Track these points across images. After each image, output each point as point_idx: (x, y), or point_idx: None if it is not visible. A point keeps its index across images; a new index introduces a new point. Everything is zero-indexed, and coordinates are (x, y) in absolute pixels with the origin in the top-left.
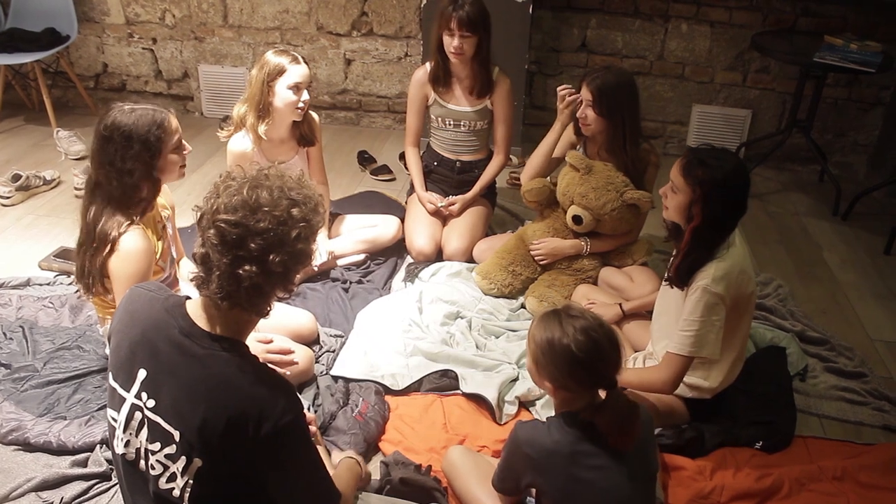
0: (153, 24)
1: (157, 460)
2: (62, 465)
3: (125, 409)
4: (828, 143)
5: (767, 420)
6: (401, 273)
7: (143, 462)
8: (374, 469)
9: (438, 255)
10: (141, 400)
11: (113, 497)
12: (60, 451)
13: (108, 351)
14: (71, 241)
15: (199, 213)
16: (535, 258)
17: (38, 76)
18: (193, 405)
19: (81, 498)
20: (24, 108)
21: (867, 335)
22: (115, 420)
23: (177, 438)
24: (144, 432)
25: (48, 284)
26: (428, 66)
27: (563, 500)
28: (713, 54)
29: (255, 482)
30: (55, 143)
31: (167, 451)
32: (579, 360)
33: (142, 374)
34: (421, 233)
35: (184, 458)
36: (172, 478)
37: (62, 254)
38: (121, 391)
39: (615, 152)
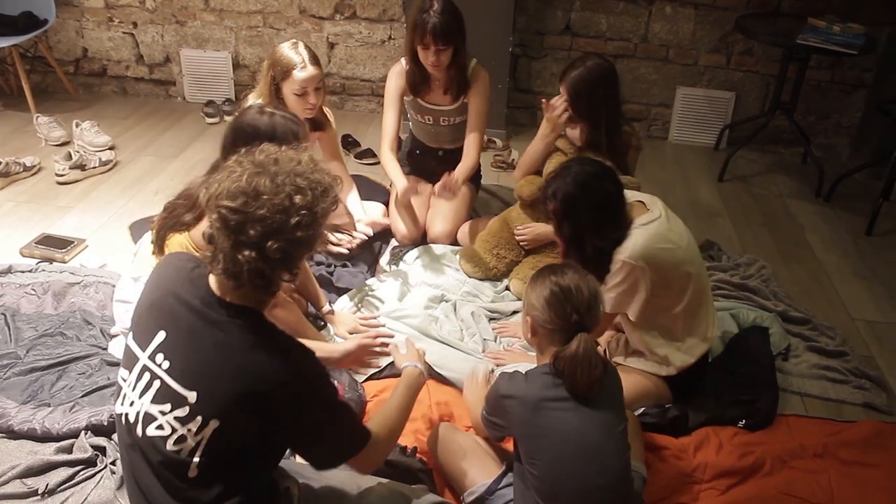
0: (133, 8)
1: (166, 421)
2: (47, 451)
3: (137, 369)
4: (811, 125)
5: (750, 399)
6: (385, 256)
7: (146, 424)
8: None
9: (423, 238)
10: (154, 361)
11: (99, 482)
12: (45, 437)
13: (93, 332)
14: (52, 228)
15: (206, 196)
16: (520, 243)
17: (16, 61)
18: (212, 368)
19: (67, 484)
20: (3, 94)
21: (849, 315)
22: (125, 380)
23: (191, 400)
24: (151, 394)
25: (30, 271)
26: (404, 61)
27: (537, 443)
28: (697, 37)
29: (271, 441)
30: (35, 129)
31: (178, 413)
32: (562, 288)
33: (160, 335)
34: (405, 216)
35: (199, 418)
36: (181, 440)
37: (44, 240)
38: (135, 350)
39: (597, 147)
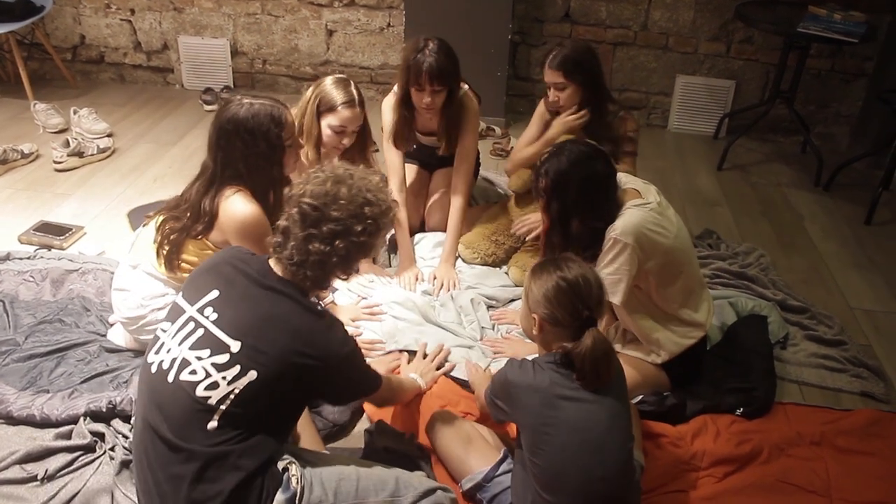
0: None
1: (201, 367)
2: (46, 437)
3: (181, 320)
4: (810, 114)
5: (748, 387)
6: (385, 245)
7: (181, 369)
8: (359, 438)
9: (422, 226)
10: (202, 314)
11: (98, 468)
12: (44, 424)
13: (91, 319)
14: (50, 215)
15: (289, 193)
16: (519, 235)
17: (13, 48)
18: (265, 324)
19: (66, 470)
20: (0, 81)
21: (847, 304)
22: (165, 330)
23: (234, 349)
24: (191, 340)
25: (28, 258)
26: (396, 88)
27: (544, 434)
28: (697, 24)
29: (301, 397)
30: (32, 116)
31: (216, 359)
32: (569, 283)
33: (213, 293)
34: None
35: (238, 367)
36: (213, 386)
37: (42, 227)
38: (183, 305)
39: (589, 129)
